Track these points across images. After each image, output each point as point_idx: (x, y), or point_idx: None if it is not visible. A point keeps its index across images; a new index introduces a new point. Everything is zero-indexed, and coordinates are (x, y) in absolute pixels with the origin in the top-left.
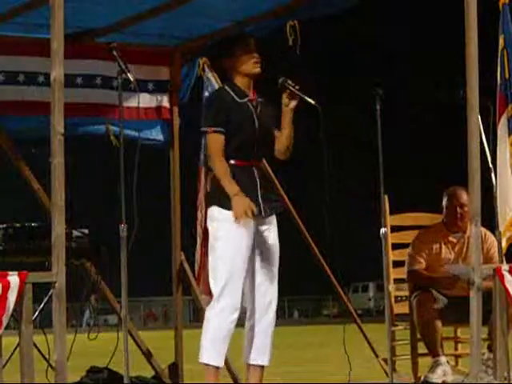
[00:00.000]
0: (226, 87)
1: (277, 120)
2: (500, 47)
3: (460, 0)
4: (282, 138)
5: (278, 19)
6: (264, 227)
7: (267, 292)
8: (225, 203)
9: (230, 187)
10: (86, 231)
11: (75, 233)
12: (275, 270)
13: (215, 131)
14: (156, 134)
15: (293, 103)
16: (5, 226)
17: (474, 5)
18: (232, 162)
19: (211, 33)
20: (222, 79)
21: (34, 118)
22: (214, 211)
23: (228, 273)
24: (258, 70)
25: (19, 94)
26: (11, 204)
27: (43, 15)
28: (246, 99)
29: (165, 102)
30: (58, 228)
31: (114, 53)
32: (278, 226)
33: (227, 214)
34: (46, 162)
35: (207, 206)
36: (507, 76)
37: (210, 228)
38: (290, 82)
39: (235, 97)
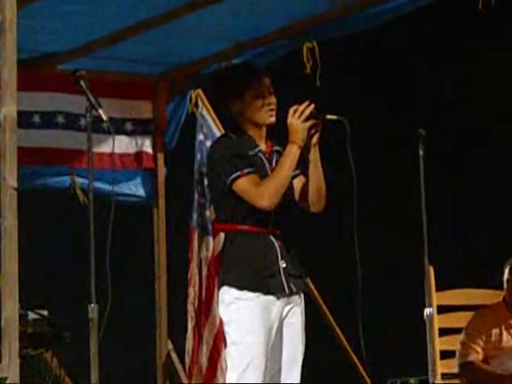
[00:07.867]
0: (233, 136)
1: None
2: None
3: None
4: (311, 190)
5: (291, 40)
6: (287, 308)
7: (286, 380)
8: (233, 280)
9: (288, 155)
10: (45, 313)
11: (31, 315)
12: (297, 357)
13: (247, 173)
14: (135, 188)
15: (315, 138)
16: None
17: None
18: (245, 227)
19: (206, 57)
20: (222, 118)
21: None
22: (224, 293)
23: (245, 360)
24: (273, 119)
25: None
26: None
27: None
28: (256, 150)
29: (147, 146)
30: (9, 309)
31: (82, 83)
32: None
33: (238, 294)
34: None
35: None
36: None
37: (221, 315)
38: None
39: (245, 148)
